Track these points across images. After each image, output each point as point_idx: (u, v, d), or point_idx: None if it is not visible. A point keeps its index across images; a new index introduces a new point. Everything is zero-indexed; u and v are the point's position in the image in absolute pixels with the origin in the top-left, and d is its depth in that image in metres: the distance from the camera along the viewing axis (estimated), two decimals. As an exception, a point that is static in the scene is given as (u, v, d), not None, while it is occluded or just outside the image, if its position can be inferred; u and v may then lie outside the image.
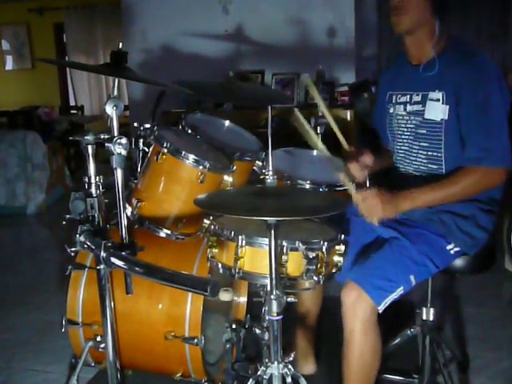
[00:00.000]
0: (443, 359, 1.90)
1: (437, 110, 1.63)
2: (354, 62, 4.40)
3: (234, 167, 1.85)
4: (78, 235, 1.18)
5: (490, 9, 5.22)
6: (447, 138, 1.64)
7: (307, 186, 1.88)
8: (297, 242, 1.40)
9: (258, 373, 1.42)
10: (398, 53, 1.80)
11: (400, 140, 1.78)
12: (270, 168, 1.63)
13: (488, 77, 1.57)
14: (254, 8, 4.46)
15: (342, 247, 1.48)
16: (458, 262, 1.66)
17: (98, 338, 1.78)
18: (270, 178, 1.46)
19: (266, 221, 1.26)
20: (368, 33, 4.84)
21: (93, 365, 1.90)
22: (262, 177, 1.93)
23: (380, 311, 1.52)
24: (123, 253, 1.16)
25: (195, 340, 1.73)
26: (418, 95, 1.69)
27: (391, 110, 1.80)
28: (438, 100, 1.63)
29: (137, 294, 1.71)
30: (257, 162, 1.99)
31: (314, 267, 1.39)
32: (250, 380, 1.46)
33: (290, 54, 4.44)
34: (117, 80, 1.36)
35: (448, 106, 1.61)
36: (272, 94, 2.32)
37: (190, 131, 1.97)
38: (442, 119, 1.63)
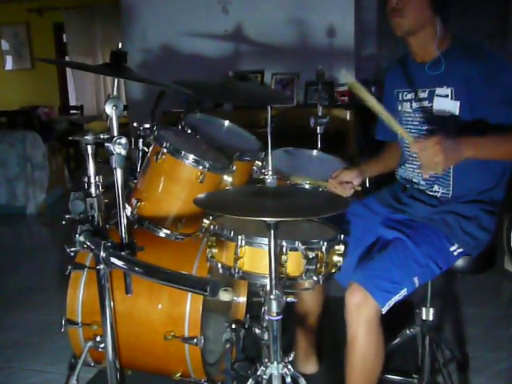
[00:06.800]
0: (443, 359, 1.91)
1: (446, 106, 1.62)
2: (353, 61, 4.39)
3: (234, 167, 1.85)
4: (77, 235, 1.18)
5: (490, 9, 5.22)
6: (458, 134, 1.62)
7: (307, 186, 1.88)
8: (296, 242, 1.40)
9: (258, 373, 1.41)
10: (404, 53, 1.80)
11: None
12: (270, 168, 1.62)
13: (500, 65, 1.57)
14: (254, 8, 4.46)
15: (342, 247, 1.47)
16: (459, 262, 1.66)
17: (98, 338, 1.78)
18: (269, 178, 1.46)
19: (265, 221, 1.26)
20: (367, 33, 4.84)
21: (92, 365, 1.90)
22: (261, 177, 1.93)
23: (383, 312, 1.51)
24: (123, 253, 1.16)
25: (195, 340, 1.72)
26: (424, 92, 1.69)
27: (399, 108, 1.79)
28: (447, 96, 1.62)
29: (136, 293, 1.72)
30: (256, 161, 1.99)
31: (314, 267, 1.39)
32: (250, 380, 1.46)
33: (289, 54, 4.44)
34: (116, 80, 1.37)
35: (458, 102, 1.60)
36: (272, 94, 2.31)
37: (189, 131, 1.97)
38: (452, 115, 1.62)
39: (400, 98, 1.78)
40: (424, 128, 1.70)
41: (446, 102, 1.63)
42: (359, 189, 1.81)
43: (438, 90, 1.64)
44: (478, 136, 1.50)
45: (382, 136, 1.98)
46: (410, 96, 1.74)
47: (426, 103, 1.68)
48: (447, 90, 1.62)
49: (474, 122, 1.60)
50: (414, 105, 1.72)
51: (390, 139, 1.94)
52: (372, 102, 1.43)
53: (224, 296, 1.69)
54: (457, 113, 1.61)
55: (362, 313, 1.49)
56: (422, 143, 1.42)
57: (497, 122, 1.57)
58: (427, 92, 1.68)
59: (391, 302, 1.51)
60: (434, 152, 1.39)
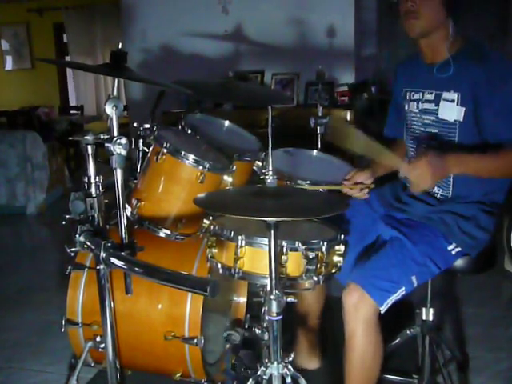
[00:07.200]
0: (443, 359, 1.90)
1: (451, 111, 1.62)
2: (353, 62, 4.39)
3: (234, 167, 1.85)
4: (77, 235, 1.18)
5: (490, 9, 5.22)
6: (461, 140, 1.61)
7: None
8: (296, 242, 1.40)
9: (258, 373, 1.42)
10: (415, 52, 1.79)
11: (412, 137, 1.78)
12: (270, 168, 1.62)
13: (505, 74, 1.55)
14: (254, 8, 4.45)
15: (342, 247, 1.47)
16: (459, 262, 1.66)
17: (98, 338, 1.78)
18: (269, 178, 1.46)
19: (265, 221, 1.26)
20: (367, 33, 4.83)
21: (92, 365, 1.90)
22: (261, 177, 1.93)
23: (382, 312, 1.52)
24: (123, 253, 1.16)
25: (195, 340, 1.72)
26: (430, 93, 1.68)
27: (406, 107, 1.80)
28: (453, 101, 1.61)
29: (136, 294, 1.72)
30: (257, 162, 1.99)
31: (314, 267, 1.39)
32: (250, 380, 1.45)
33: (289, 54, 4.44)
34: (116, 80, 1.36)
35: (464, 108, 1.59)
36: (272, 94, 2.31)
37: (189, 131, 1.97)
38: (455, 120, 1.61)
39: (407, 98, 1.78)
40: (426, 130, 1.70)
41: (451, 107, 1.61)
42: (373, 186, 1.81)
43: (445, 94, 1.63)
44: (466, 153, 1.54)
45: (390, 132, 1.97)
46: (417, 96, 1.73)
47: (431, 106, 1.67)
48: (454, 95, 1.61)
49: (478, 130, 1.59)
50: (420, 106, 1.72)
51: (399, 135, 1.93)
52: (363, 144, 1.51)
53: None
54: (461, 119, 1.60)
55: (360, 312, 1.49)
56: (413, 165, 1.50)
57: (492, 134, 1.57)
58: (434, 94, 1.67)
59: (389, 302, 1.52)
60: (424, 171, 1.48)
